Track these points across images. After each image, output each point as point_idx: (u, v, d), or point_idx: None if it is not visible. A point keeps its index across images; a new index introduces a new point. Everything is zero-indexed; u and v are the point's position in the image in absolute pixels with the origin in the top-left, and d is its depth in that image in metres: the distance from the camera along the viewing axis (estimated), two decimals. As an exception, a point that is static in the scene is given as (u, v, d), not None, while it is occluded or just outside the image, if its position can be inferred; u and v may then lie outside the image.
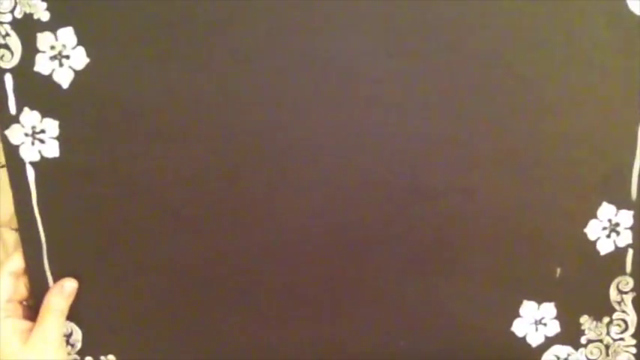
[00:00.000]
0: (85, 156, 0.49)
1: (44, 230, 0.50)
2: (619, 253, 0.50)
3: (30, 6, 0.47)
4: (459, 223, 0.50)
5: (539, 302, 0.51)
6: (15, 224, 0.51)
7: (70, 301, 0.51)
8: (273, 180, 0.50)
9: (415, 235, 0.50)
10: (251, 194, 0.50)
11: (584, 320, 0.52)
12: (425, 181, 0.49)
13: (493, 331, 0.52)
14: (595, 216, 0.50)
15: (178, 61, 0.48)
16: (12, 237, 0.52)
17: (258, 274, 0.52)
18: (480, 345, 0.52)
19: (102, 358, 0.53)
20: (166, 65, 0.48)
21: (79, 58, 0.48)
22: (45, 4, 0.47)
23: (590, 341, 0.52)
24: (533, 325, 0.52)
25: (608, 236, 0.50)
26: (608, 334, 0.52)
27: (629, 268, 0.50)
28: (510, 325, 0.52)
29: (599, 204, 0.50)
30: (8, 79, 0.48)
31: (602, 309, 0.51)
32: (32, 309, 0.51)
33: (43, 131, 0.49)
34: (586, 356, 0.52)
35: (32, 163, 0.49)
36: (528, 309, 0.52)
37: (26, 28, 0.47)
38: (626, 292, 0.51)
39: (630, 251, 0.50)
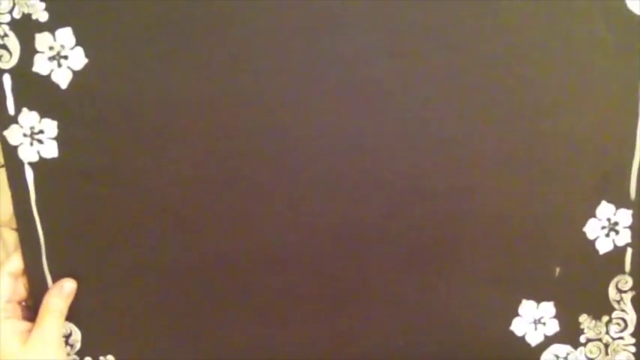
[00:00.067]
0: (84, 156, 0.49)
1: (43, 231, 0.50)
2: (618, 252, 0.50)
3: (28, 6, 0.46)
4: (458, 222, 0.50)
5: (539, 301, 0.51)
6: (15, 224, 0.51)
7: (69, 302, 0.51)
8: (273, 180, 0.50)
9: (414, 235, 0.50)
10: (250, 194, 0.50)
11: (584, 319, 0.52)
12: (424, 180, 0.49)
13: (492, 330, 0.52)
14: (594, 215, 0.50)
15: (177, 61, 0.48)
16: (12, 237, 0.51)
17: (258, 274, 0.51)
18: (480, 344, 0.52)
19: (101, 358, 0.53)
20: (165, 65, 0.48)
21: (78, 59, 0.48)
22: (43, 5, 0.47)
23: (589, 340, 0.52)
24: (533, 324, 0.52)
25: (607, 235, 0.50)
26: (607, 333, 0.52)
27: (628, 267, 0.51)
28: (509, 324, 0.52)
29: (598, 203, 0.50)
30: (7, 79, 0.48)
31: (602, 308, 0.51)
32: (31, 309, 0.51)
33: (41, 132, 0.49)
34: (585, 355, 0.52)
35: (31, 164, 0.49)
36: (527, 308, 0.52)
37: (25, 28, 0.47)
38: (625, 291, 0.51)
39: (629, 250, 0.50)
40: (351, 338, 0.53)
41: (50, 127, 0.49)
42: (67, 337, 0.52)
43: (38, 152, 0.49)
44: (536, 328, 0.52)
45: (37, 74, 0.48)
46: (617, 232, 0.50)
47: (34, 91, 0.48)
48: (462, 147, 0.49)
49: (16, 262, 0.51)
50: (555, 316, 0.52)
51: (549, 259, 0.51)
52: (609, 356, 0.52)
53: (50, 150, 0.49)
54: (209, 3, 0.47)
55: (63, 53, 0.47)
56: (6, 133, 0.49)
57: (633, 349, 0.52)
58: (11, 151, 0.49)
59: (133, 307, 0.53)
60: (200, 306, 0.52)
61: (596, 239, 0.50)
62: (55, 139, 0.49)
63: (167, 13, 0.47)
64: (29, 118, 0.48)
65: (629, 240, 0.50)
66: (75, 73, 0.48)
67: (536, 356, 0.52)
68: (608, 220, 0.50)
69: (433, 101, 0.48)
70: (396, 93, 0.48)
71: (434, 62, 0.47)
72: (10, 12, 0.46)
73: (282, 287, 0.52)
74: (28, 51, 0.47)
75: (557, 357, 0.52)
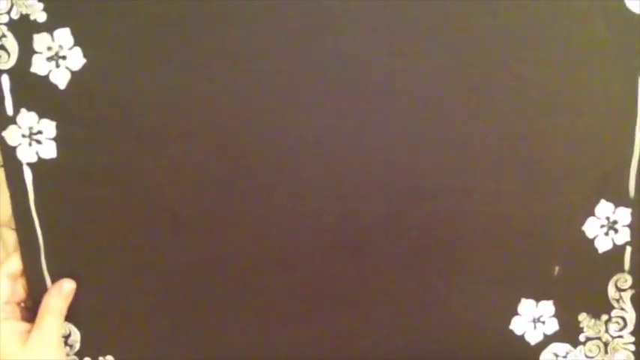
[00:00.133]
0: (83, 157, 0.49)
1: (42, 231, 0.50)
2: (617, 250, 0.50)
3: (26, 7, 0.46)
4: (457, 221, 0.50)
5: (538, 300, 0.52)
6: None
7: (68, 302, 0.51)
8: (272, 179, 0.50)
9: (414, 234, 0.50)
10: (250, 194, 0.50)
11: (583, 318, 0.52)
12: (424, 179, 0.49)
13: (492, 329, 0.52)
14: (593, 214, 0.50)
15: (175, 61, 0.48)
16: (12, 237, 0.51)
17: (257, 274, 0.51)
18: (479, 343, 0.52)
19: (100, 358, 0.53)
20: (163, 65, 0.48)
21: (76, 59, 0.47)
22: (41, 5, 0.47)
23: (588, 339, 0.52)
24: (532, 323, 0.52)
25: (607, 234, 0.50)
26: (606, 331, 0.52)
27: (627, 265, 0.51)
28: (509, 323, 0.52)
29: (597, 202, 0.50)
30: (5, 80, 0.48)
31: (601, 306, 0.51)
32: (30, 310, 0.51)
33: (40, 132, 0.49)
34: (585, 354, 0.52)
35: (29, 164, 0.49)
36: (527, 307, 0.52)
37: (23, 29, 0.47)
38: (624, 290, 0.51)
39: (628, 249, 0.50)
40: (351, 338, 0.53)
41: (49, 127, 0.49)
42: (67, 337, 0.52)
43: (37, 153, 0.49)
44: (535, 327, 0.52)
45: (35, 75, 0.48)
46: (616, 231, 0.50)
47: (32, 91, 0.48)
48: (462, 146, 0.49)
49: (15, 263, 0.51)
50: (555, 315, 0.52)
51: (548, 257, 0.51)
52: (609, 355, 0.52)
53: (49, 150, 0.49)
54: (207, 3, 0.47)
55: (61, 53, 0.47)
56: (4, 133, 0.48)
57: (633, 347, 0.52)
58: (10, 152, 0.49)
59: (133, 307, 0.52)
60: (200, 306, 0.52)
61: (595, 238, 0.50)
62: (54, 139, 0.49)
63: (165, 13, 0.47)
64: (28, 118, 0.48)
65: (628, 238, 0.50)
66: (73, 73, 0.48)
67: (536, 355, 0.52)
68: (607, 218, 0.50)
69: (432, 101, 0.48)
70: (396, 92, 0.48)
71: (433, 62, 0.47)
72: (8, 12, 0.46)
73: (281, 287, 0.52)
74: (27, 51, 0.47)
75: (557, 356, 0.52)
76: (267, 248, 0.51)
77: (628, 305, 0.51)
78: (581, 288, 0.51)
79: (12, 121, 0.48)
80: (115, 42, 0.47)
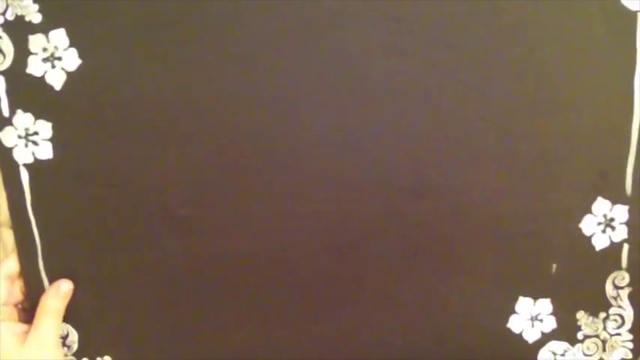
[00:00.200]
0: (79, 157, 0.49)
1: (39, 232, 0.50)
2: (614, 248, 0.50)
3: (22, 8, 0.47)
4: (454, 220, 0.50)
5: (535, 298, 0.51)
6: (14, 224, 0.51)
7: (66, 303, 0.51)
8: (271, 179, 0.50)
9: (412, 233, 0.50)
10: (248, 194, 0.50)
11: (581, 316, 0.52)
12: (422, 178, 0.49)
13: (489, 327, 0.52)
14: (590, 211, 0.50)
15: (171, 61, 0.48)
16: (11, 237, 0.51)
17: (256, 274, 0.51)
18: (477, 342, 0.52)
19: (98, 359, 0.53)
20: (159, 65, 0.48)
21: (72, 60, 0.48)
22: (37, 6, 0.47)
23: (586, 337, 0.52)
24: (530, 322, 0.52)
25: (604, 231, 0.50)
26: (604, 329, 0.52)
27: (624, 263, 0.50)
28: (506, 321, 0.52)
29: (594, 199, 0.50)
30: (1, 81, 0.48)
31: (599, 304, 0.51)
32: (28, 312, 0.51)
33: (36, 133, 0.49)
34: (583, 352, 0.52)
35: (26, 165, 0.49)
36: (524, 305, 0.51)
37: (18, 30, 0.47)
38: (622, 287, 0.51)
39: (626, 246, 0.50)
40: (350, 337, 0.53)
41: (45, 128, 0.49)
42: (64, 338, 0.52)
43: (33, 154, 0.49)
44: (533, 325, 0.52)
45: (31, 76, 0.48)
46: (613, 228, 0.50)
47: (28, 92, 0.48)
48: (459, 145, 0.49)
49: (13, 264, 0.51)
50: (552, 313, 0.52)
51: (546, 255, 0.51)
52: (607, 353, 0.52)
53: (45, 151, 0.49)
54: (205, 3, 0.47)
55: (57, 54, 0.47)
56: (0, 135, 0.49)
57: (631, 345, 0.52)
58: (6, 153, 0.49)
59: (130, 307, 0.52)
60: (198, 306, 0.52)
61: (592, 235, 0.50)
62: (50, 140, 0.49)
63: (161, 14, 0.47)
64: (24, 119, 0.48)
65: (625, 236, 0.50)
66: (69, 74, 0.48)
67: (534, 353, 0.52)
68: (605, 216, 0.50)
69: (430, 100, 0.48)
70: (395, 92, 0.48)
71: (432, 61, 0.47)
72: (4, 14, 0.47)
73: (280, 287, 0.52)
74: (22, 52, 0.47)
75: (555, 354, 0.52)
76: (266, 248, 0.51)
77: (626, 303, 0.51)
78: (578, 286, 0.51)
79: (8, 122, 0.48)
80: (111, 43, 0.48)
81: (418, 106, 0.48)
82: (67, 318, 0.52)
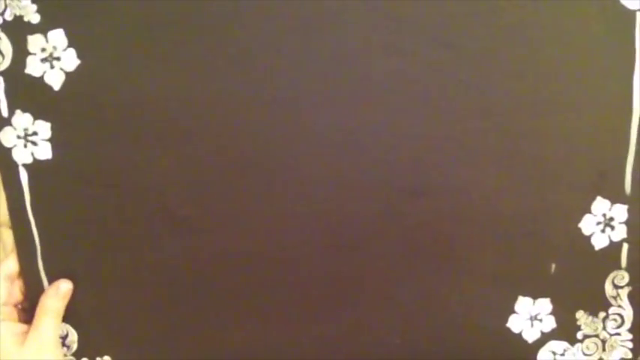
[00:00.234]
0: (78, 157, 0.49)
1: (38, 232, 0.50)
2: (614, 247, 0.50)
3: (20, 8, 0.47)
4: (453, 219, 0.50)
5: (535, 298, 0.51)
6: (14, 224, 0.51)
7: (65, 303, 0.51)
8: (271, 179, 0.50)
9: (411, 233, 0.50)
10: (248, 194, 0.50)
11: (580, 315, 0.52)
12: (421, 178, 0.49)
13: (489, 327, 0.52)
14: (589, 211, 0.50)
15: (170, 61, 0.48)
16: (11, 237, 0.51)
17: (256, 274, 0.51)
18: (476, 341, 0.52)
19: (98, 359, 0.53)
20: (158, 65, 0.48)
21: (70, 60, 0.48)
22: (35, 7, 0.47)
23: (586, 336, 0.52)
24: (529, 321, 0.52)
25: (603, 231, 0.50)
26: (604, 329, 0.52)
27: (624, 262, 0.50)
28: (506, 321, 0.52)
29: (593, 199, 0.50)
30: (-1, 81, 0.48)
31: (598, 304, 0.51)
32: (27, 312, 0.51)
33: (35, 133, 0.49)
34: (582, 351, 0.52)
35: (25, 166, 0.49)
36: (524, 305, 0.52)
37: (17, 30, 0.47)
38: (621, 287, 0.51)
39: (625, 245, 0.50)
40: (349, 337, 0.53)
41: (44, 128, 0.49)
42: (64, 338, 0.52)
43: (32, 154, 0.49)
44: (532, 325, 0.52)
45: (29, 76, 0.48)
46: (612, 228, 0.50)
47: (27, 92, 0.48)
48: (459, 145, 0.49)
49: (12, 265, 0.51)
50: (552, 313, 0.52)
51: (545, 255, 0.51)
52: (606, 352, 0.52)
53: (44, 151, 0.49)
54: (204, 3, 0.47)
55: (55, 55, 0.47)
56: None
57: (630, 345, 0.52)
58: (5, 153, 0.49)
59: (130, 307, 0.52)
60: (198, 306, 0.52)
61: (591, 235, 0.50)
62: (49, 140, 0.49)
63: (160, 14, 0.47)
64: (23, 119, 0.48)
65: (624, 235, 0.50)
66: (68, 74, 0.48)
67: (534, 353, 0.52)
68: (604, 215, 0.50)
69: (429, 99, 0.48)
70: (394, 91, 0.48)
71: (431, 60, 0.47)
72: (2, 14, 0.46)
73: (280, 287, 0.52)
74: (21, 53, 0.47)
75: (555, 354, 0.52)
76: (266, 248, 0.51)
77: (625, 302, 0.51)
78: (578, 285, 0.51)
79: (7, 122, 0.48)
80: (109, 43, 0.48)
81: (418, 106, 0.48)
82: (67, 318, 0.52)
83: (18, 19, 0.47)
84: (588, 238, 0.50)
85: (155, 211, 0.50)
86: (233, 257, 0.51)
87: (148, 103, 0.48)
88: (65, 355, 0.52)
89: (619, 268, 0.51)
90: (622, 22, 0.47)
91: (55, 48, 0.47)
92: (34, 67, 0.47)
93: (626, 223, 0.50)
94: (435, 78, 0.48)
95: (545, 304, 0.51)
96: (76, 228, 0.51)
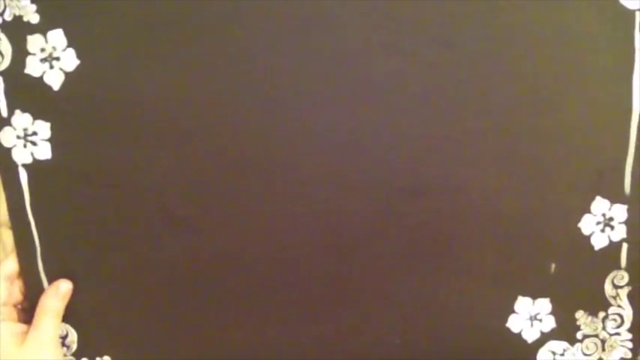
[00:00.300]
0: (78, 157, 0.49)
1: (38, 232, 0.50)
2: (613, 247, 0.50)
3: (19, 8, 0.46)
4: (453, 219, 0.50)
5: (534, 298, 0.51)
6: (14, 225, 0.51)
7: (65, 303, 0.51)
8: (270, 179, 0.50)
9: (411, 233, 0.50)
10: (248, 194, 0.50)
11: (580, 315, 0.52)
12: (420, 178, 0.49)
13: (488, 327, 0.52)
14: (589, 211, 0.50)
15: (170, 61, 0.48)
16: (11, 237, 0.51)
17: (255, 274, 0.51)
18: (476, 341, 0.52)
19: (97, 359, 0.53)
20: (157, 65, 0.48)
21: (70, 60, 0.48)
22: (34, 7, 0.47)
23: (585, 336, 0.52)
24: (529, 321, 0.52)
25: (603, 231, 0.50)
26: (604, 328, 0.52)
27: (623, 262, 0.50)
28: (505, 321, 0.52)
29: (593, 198, 0.50)
30: (-1, 81, 0.48)
31: (598, 304, 0.51)
32: (27, 312, 0.51)
33: (34, 133, 0.49)
34: (582, 351, 0.52)
35: (24, 166, 0.49)
36: (523, 305, 0.52)
37: (16, 30, 0.47)
38: (621, 287, 0.51)
39: (625, 245, 0.50)
40: (349, 337, 0.53)
41: (43, 128, 0.49)
42: (64, 338, 0.52)
43: (32, 154, 0.49)
44: (532, 325, 0.52)
45: (29, 76, 0.48)
46: (612, 228, 0.50)
47: (26, 93, 0.48)
48: (458, 144, 0.49)
49: (11, 265, 0.51)
50: (551, 313, 0.52)
51: (545, 255, 0.51)
52: (606, 352, 0.52)
53: (44, 152, 0.49)
54: (204, 3, 0.47)
55: (55, 55, 0.47)
56: (-1, 135, 0.49)
57: (630, 344, 0.52)
58: (5, 153, 0.49)
59: (130, 307, 0.52)
60: (197, 306, 0.52)
61: (591, 235, 0.50)
62: (49, 140, 0.49)
63: (160, 14, 0.47)
64: (22, 119, 0.48)
65: (624, 235, 0.50)
66: (67, 74, 0.48)
67: (533, 353, 0.52)
68: (603, 215, 0.50)
69: (428, 99, 0.48)
70: (394, 91, 0.48)
71: (430, 60, 0.47)
72: (2, 14, 0.46)
73: (279, 287, 0.52)
74: (20, 53, 0.47)
75: (554, 353, 0.52)
76: (266, 248, 0.51)
77: (625, 302, 0.51)
78: (577, 285, 0.51)
79: (6, 122, 0.48)
80: (109, 43, 0.47)
81: (418, 106, 0.48)
82: (67, 318, 0.51)
83: (17, 19, 0.47)
84: (588, 238, 0.50)
85: (155, 211, 0.50)
86: (233, 257, 0.51)
87: (147, 103, 0.48)
88: (65, 355, 0.52)
89: (618, 268, 0.51)
90: (621, 21, 0.47)
91: (54, 48, 0.47)
92: (33, 67, 0.47)
93: (626, 222, 0.50)
94: (434, 78, 0.48)
95: (544, 304, 0.51)
96: (75, 228, 0.51)
